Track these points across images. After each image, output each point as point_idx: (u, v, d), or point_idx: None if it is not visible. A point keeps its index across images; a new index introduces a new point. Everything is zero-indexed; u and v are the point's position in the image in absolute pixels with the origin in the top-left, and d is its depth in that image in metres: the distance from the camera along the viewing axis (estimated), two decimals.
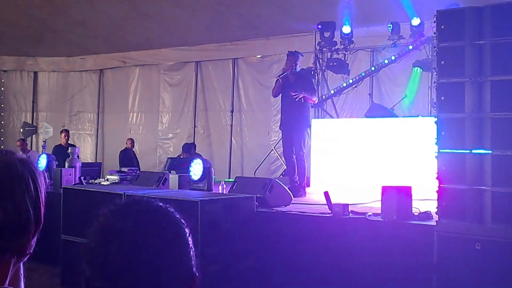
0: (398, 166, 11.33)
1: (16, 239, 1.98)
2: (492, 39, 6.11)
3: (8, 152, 2.08)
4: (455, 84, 6.30)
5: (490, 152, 6.11)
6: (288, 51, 11.46)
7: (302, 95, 10.78)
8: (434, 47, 6.60)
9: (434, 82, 6.54)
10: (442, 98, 6.39)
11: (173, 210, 1.85)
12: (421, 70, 13.28)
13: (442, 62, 6.39)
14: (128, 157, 17.31)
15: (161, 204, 1.85)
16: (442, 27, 6.41)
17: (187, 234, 1.83)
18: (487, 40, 6.14)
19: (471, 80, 6.21)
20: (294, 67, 11.01)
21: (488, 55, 6.12)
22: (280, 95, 11.19)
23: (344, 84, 14.39)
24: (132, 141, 17.86)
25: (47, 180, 2.46)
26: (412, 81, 13.59)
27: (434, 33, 6.66)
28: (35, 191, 2.04)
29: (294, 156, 10.96)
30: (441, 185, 6.38)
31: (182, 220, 1.84)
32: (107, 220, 1.81)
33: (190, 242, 1.83)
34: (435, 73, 6.55)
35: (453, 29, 6.35)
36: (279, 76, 11.28)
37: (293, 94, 10.76)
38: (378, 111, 12.68)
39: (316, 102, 11.35)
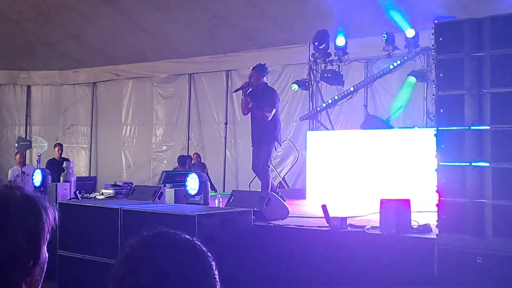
0: (394, 177, 11.30)
1: (5, 275, 1.96)
2: (491, 51, 6.08)
3: (13, 187, 2.07)
4: (454, 97, 6.27)
5: (490, 164, 6.08)
6: (254, 66, 11.26)
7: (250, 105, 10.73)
8: (433, 59, 6.57)
9: (433, 94, 6.52)
10: (441, 110, 6.36)
11: (199, 243, 1.86)
12: (415, 79, 13.24)
13: (441, 75, 6.36)
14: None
15: (188, 237, 1.86)
16: (441, 39, 6.38)
17: (214, 268, 1.83)
18: (487, 52, 6.10)
19: (471, 92, 6.18)
20: (255, 83, 10.85)
21: (488, 67, 6.09)
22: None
23: (342, 94, 14.34)
24: (198, 155, 17.37)
25: (56, 216, 2.40)
26: (404, 90, 13.52)
27: (432, 45, 6.63)
28: (35, 228, 2.02)
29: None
30: (441, 198, 6.34)
31: (208, 253, 1.85)
32: (136, 250, 1.83)
33: (216, 276, 1.83)
34: (433, 86, 6.51)
35: (452, 41, 6.32)
36: (234, 91, 11.23)
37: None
38: (373, 122, 12.65)
39: (269, 118, 10.94)
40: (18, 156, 16.55)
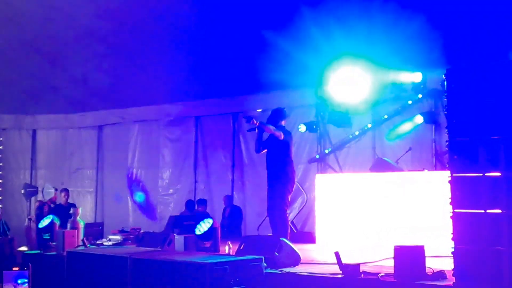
0: (404, 221, 11.20)
1: None
2: (505, 95, 6.04)
3: None
4: (468, 143, 6.22)
5: (505, 212, 6.00)
6: (273, 109, 11.35)
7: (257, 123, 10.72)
8: (445, 105, 6.53)
9: (446, 141, 6.46)
10: (455, 157, 6.30)
11: None
12: (423, 120, 13.23)
13: (454, 121, 6.31)
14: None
15: None
16: (452, 85, 6.34)
17: None
18: (500, 97, 6.06)
19: (484, 139, 6.12)
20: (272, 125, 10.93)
21: (502, 113, 6.04)
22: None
23: (350, 136, 14.34)
24: (227, 197, 17.14)
25: None
26: (408, 123, 13.51)
27: (444, 91, 6.60)
28: None
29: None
30: (457, 246, 6.25)
31: None
32: None
33: None
34: (446, 132, 6.47)
35: (463, 86, 6.29)
36: (248, 130, 11.29)
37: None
38: (382, 165, 12.58)
39: (281, 137, 10.99)
40: (37, 204, 16.54)
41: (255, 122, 10.67)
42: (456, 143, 6.33)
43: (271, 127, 10.77)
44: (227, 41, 14.72)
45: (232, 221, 16.22)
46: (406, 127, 13.52)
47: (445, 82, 6.46)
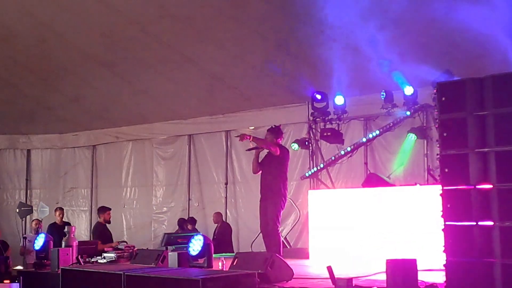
0: (397, 235, 11.22)
1: None
2: (494, 110, 6.08)
3: None
4: (459, 156, 6.25)
5: (497, 224, 6.03)
6: (269, 128, 11.52)
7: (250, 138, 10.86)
8: (436, 119, 6.56)
9: (437, 154, 6.49)
10: (446, 170, 6.33)
11: None
12: (416, 137, 13.26)
13: (445, 134, 6.35)
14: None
15: None
16: (443, 99, 6.38)
17: None
18: (490, 110, 6.10)
19: (475, 152, 6.16)
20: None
21: (491, 126, 6.07)
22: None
23: (342, 152, 14.35)
24: (216, 214, 17.24)
25: None
26: (405, 147, 13.55)
27: (435, 105, 6.64)
28: None
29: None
30: (448, 259, 6.28)
31: None
32: None
33: None
34: (437, 145, 6.50)
35: (454, 100, 6.32)
36: (247, 150, 11.36)
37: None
38: (375, 180, 12.61)
39: (278, 153, 11.06)
40: (34, 222, 16.49)
41: (247, 137, 10.78)
42: (447, 156, 6.36)
43: (266, 140, 10.88)
44: (221, 59, 14.78)
45: (222, 237, 16.26)
46: (405, 152, 13.59)
47: (436, 95, 6.50)
